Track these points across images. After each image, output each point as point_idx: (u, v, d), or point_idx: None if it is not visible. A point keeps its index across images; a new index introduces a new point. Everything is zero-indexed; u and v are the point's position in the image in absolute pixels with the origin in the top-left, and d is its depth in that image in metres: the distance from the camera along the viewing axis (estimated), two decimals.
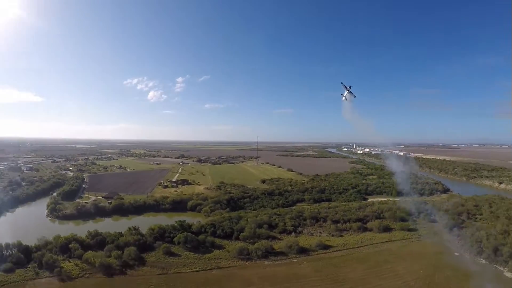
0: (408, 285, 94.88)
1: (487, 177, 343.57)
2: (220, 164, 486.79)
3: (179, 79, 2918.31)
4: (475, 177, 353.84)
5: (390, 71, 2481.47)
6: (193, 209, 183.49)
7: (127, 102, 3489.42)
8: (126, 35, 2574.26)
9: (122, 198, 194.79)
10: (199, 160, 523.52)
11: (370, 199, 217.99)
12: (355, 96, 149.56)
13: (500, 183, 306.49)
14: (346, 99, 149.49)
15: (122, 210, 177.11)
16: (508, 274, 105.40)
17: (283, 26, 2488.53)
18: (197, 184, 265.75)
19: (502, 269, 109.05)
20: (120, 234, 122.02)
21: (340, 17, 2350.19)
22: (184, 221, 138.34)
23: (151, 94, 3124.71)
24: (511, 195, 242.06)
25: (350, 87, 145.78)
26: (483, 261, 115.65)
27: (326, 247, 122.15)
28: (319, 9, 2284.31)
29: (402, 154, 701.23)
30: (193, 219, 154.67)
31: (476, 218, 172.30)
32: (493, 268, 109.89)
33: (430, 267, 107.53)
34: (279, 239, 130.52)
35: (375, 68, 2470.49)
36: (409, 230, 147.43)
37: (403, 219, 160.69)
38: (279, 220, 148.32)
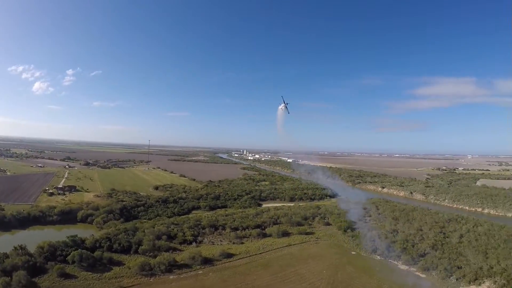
0: (314, 285, 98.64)
1: (371, 182, 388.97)
2: (109, 168, 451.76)
3: (69, 71, 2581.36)
4: (360, 182, 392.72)
5: (286, 83, 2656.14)
6: (84, 220, 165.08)
7: (8, 92, 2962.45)
8: (13, 13, 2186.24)
9: (3, 209, 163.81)
10: (87, 164, 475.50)
11: (264, 205, 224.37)
12: (289, 113, 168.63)
13: (383, 187, 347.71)
14: (282, 109, 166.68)
15: (3, 224, 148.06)
16: (402, 267, 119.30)
17: (178, 30, 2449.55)
18: (86, 191, 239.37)
19: (396, 263, 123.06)
20: (6, 255, 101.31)
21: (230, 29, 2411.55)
22: (76, 235, 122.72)
23: (36, 85, 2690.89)
24: (393, 198, 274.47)
25: (287, 103, 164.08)
26: (378, 257, 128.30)
27: (229, 255, 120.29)
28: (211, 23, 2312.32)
29: (291, 161, 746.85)
30: (86, 232, 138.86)
31: (366, 219, 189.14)
32: (388, 262, 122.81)
33: (332, 267, 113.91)
34: (181, 250, 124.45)
35: (270, 79, 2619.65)
36: (307, 233, 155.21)
37: (299, 223, 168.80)
38: (177, 230, 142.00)
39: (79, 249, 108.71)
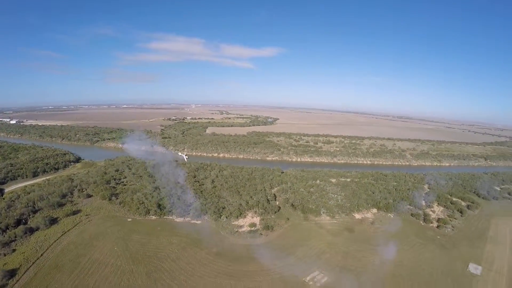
0: (117, 266, 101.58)
1: (109, 139, 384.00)
2: None
3: None
4: (98, 140, 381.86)
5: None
6: None
7: None
8: None
9: None
10: None
11: (7, 189, 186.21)
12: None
13: (123, 144, 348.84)
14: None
15: None
16: (178, 219, 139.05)
17: None
18: None
19: (171, 218, 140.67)
20: None
21: None
22: None
23: None
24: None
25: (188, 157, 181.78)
26: (153, 217, 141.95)
27: (11, 273, 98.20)
28: None
29: (14, 122, 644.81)
30: None
31: (123, 182, 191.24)
32: (164, 219, 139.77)
33: (120, 241, 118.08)
34: None
35: None
36: (74, 213, 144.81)
37: (60, 204, 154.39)
38: None
39: None
